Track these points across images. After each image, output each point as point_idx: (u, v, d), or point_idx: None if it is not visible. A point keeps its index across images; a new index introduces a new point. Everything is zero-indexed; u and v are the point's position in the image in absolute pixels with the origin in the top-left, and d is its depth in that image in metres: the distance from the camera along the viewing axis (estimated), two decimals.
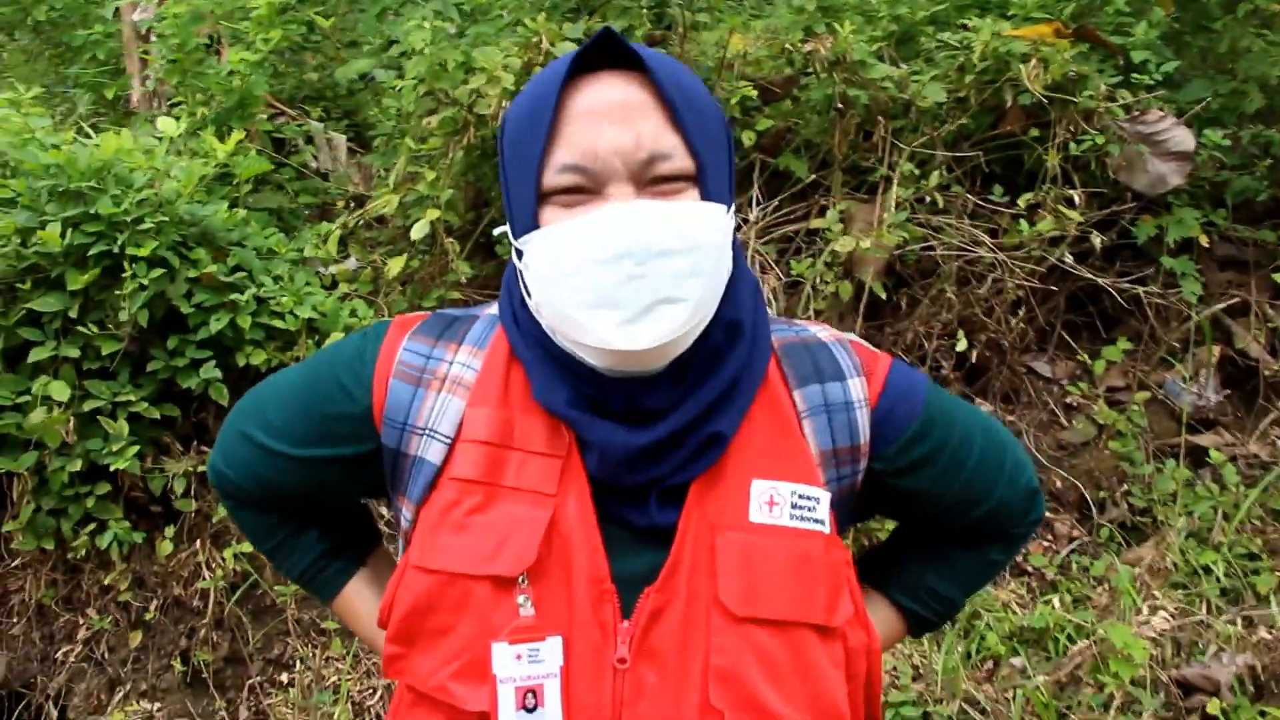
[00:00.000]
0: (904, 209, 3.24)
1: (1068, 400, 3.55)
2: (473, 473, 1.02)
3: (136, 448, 2.62)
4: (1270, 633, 3.00)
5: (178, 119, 3.14)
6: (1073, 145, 3.34)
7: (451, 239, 3.01)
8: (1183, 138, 3.47)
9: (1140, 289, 3.49)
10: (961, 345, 3.23)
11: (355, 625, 1.28)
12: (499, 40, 3.16)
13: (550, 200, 0.97)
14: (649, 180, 0.97)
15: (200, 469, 2.73)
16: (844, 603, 1.05)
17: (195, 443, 2.78)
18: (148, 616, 2.73)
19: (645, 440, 1.00)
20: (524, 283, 1.03)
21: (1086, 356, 3.59)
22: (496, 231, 1.16)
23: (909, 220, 3.23)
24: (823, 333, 1.15)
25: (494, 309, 1.14)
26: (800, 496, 1.04)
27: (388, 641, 1.05)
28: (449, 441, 1.04)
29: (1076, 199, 3.30)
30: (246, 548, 2.74)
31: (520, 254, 1.02)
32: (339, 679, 2.76)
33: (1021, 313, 3.44)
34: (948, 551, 1.25)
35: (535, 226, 0.98)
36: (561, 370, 1.02)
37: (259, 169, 3.01)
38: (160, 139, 2.93)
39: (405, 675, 1.05)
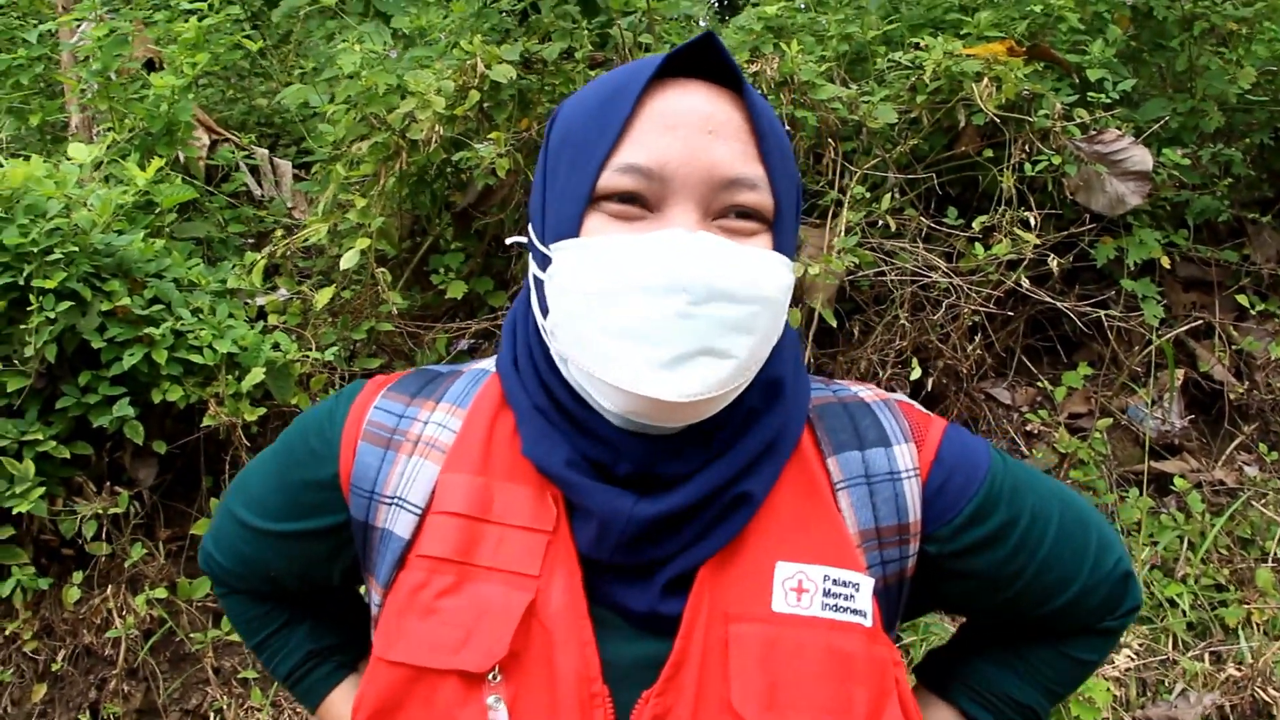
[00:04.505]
0: (855, 233, 3.14)
1: (1028, 428, 3.45)
2: (444, 550, 0.89)
3: (43, 489, 2.49)
4: (1239, 669, 2.90)
5: (105, 145, 3.04)
6: (1028, 166, 3.26)
7: (384, 269, 2.90)
8: (1141, 157, 3.40)
9: (1101, 312, 3.40)
10: (915, 374, 3.13)
11: None
12: (434, 64, 3.07)
13: (600, 206, 0.85)
14: (720, 209, 0.85)
15: (114, 510, 2.60)
16: (891, 710, 0.87)
17: (109, 483, 2.65)
18: (54, 667, 2.58)
19: (655, 510, 0.85)
20: (542, 298, 0.89)
21: (1047, 383, 3.50)
22: (511, 241, 1.05)
23: (861, 245, 3.14)
24: (865, 392, 1.00)
25: (483, 364, 1.02)
26: (835, 582, 0.88)
27: None
28: (419, 512, 0.91)
29: (1033, 221, 3.21)
30: (161, 593, 2.61)
31: (547, 262, 0.87)
32: None
33: (978, 338, 3.34)
34: (1025, 650, 1.06)
35: (576, 233, 0.85)
36: (563, 424, 0.89)
37: (182, 197, 2.90)
38: (80, 166, 2.82)
39: None
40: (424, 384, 0.99)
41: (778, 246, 0.87)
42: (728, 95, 0.86)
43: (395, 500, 0.93)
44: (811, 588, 0.88)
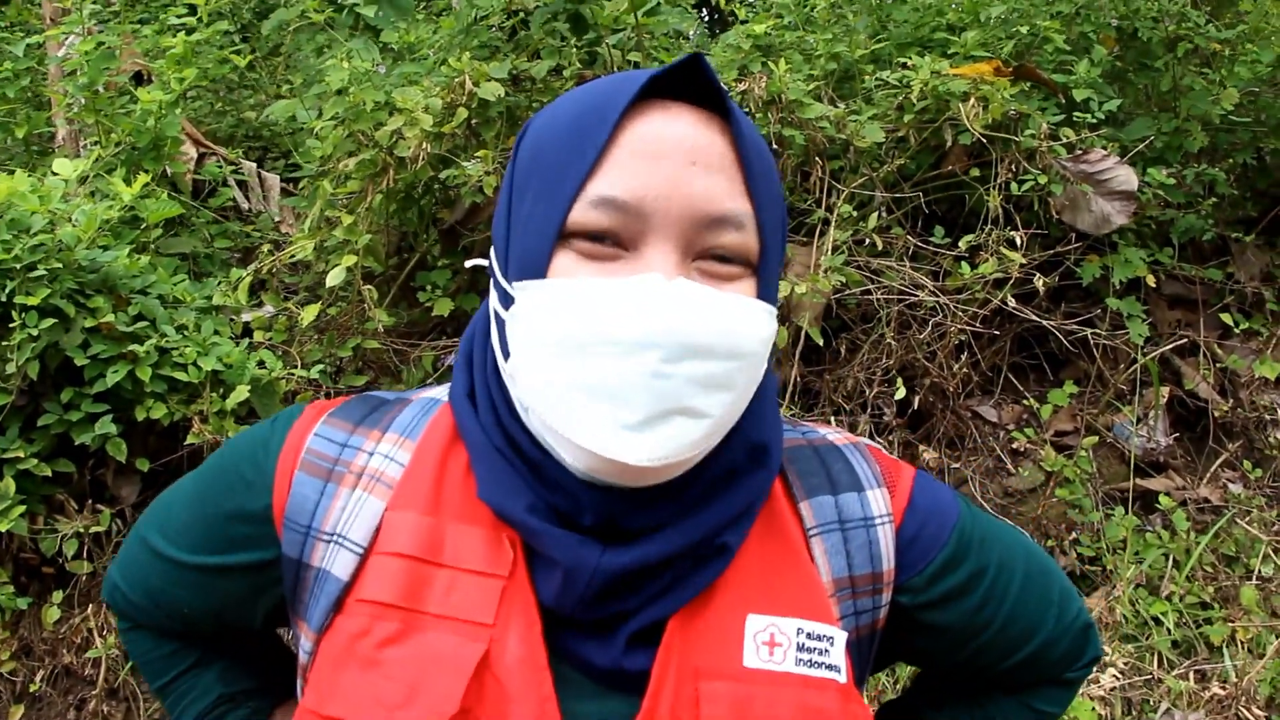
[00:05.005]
0: (842, 252, 3.15)
1: (1014, 446, 3.45)
2: (389, 594, 0.81)
3: (23, 507, 2.47)
4: (1223, 688, 2.90)
5: (92, 159, 3.03)
6: (1014, 185, 3.28)
7: (370, 286, 2.90)
8: (1126, 177, 3.42)
9: (1087, 330, 3.41)
10: (901, 393, 3.14)
11: None
12: (423, 80, 3.07)
13: (570, 244, 0.77)
14: (702, 251, 0.77)
15: (95, 529, 2.58)
16: None
17: (91, 501, 2.63)
18: (33, 688, 2.56)
19: (625, 562, 0.79)
20: (503, 338, 0.81)
21: (1033, 400, 3.51)
22: (471, 264, 0.94)
23: (847, 263, 3.15)
24: (834, 435, 0.96)
25: (433, 392, 0.95)
26: (809, 636, 0.83)
27: None
28: (361, 552, 0.83)
29: (1019, 240, 3.23)
30: None
31: (509, 301, 0.79)
32: None
33: (965, 357, 3.35)
34: (987, 703, 1.04)
35: (542, 273, 0.77)
36: (523, 469, 0.82)
37: (168, 213, 2.89)
38: (65, 181, 2.81)
39: None
40: (369, 411, 0.92)
41: (761, 292, 0.80)
42: (714, 121, 0.79)
43: (334, 537, 0.85)
44: (784, 641, 0.83)
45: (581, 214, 0.76)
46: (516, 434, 0.83)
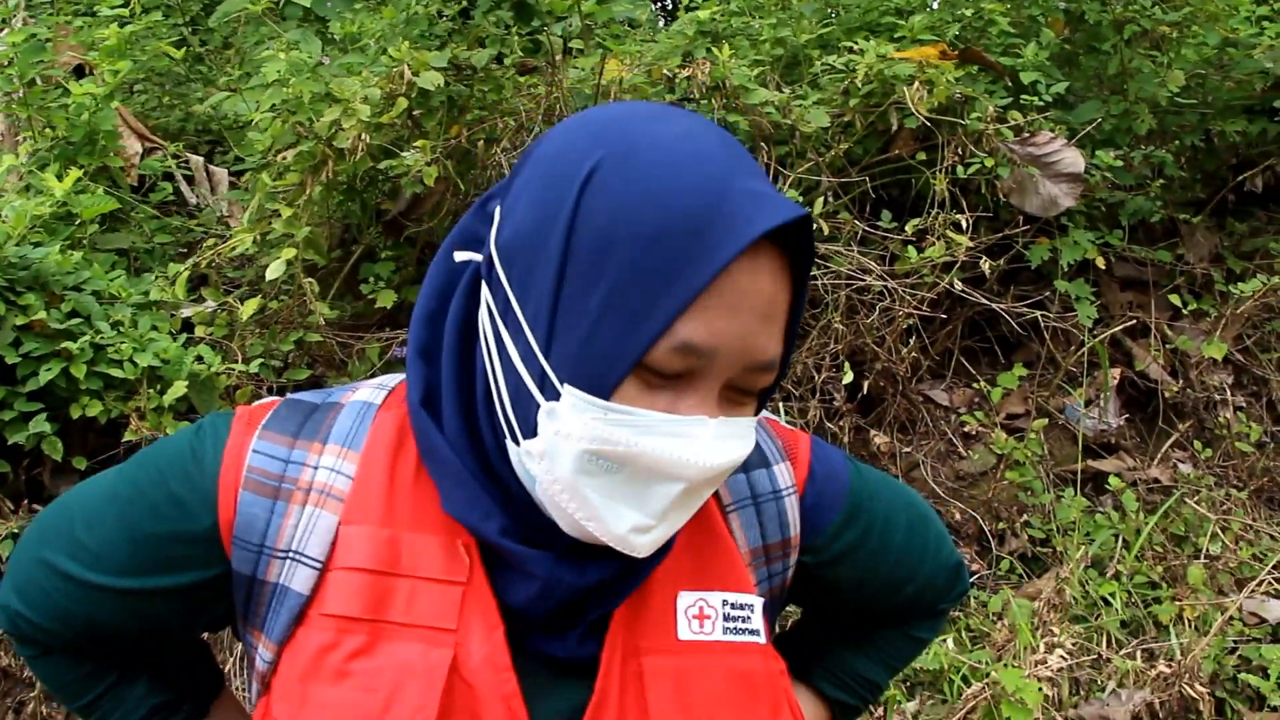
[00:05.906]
0: None
1: (965, 429, 3.47)
2: (352, 608, 0.84)
3: None
4: (1169, 666, 2.92)
5: (23, 154, 2.98)
6: (961, 169, 3.28)
7: (312, 279, 2.86)
8: (1073, 159, 3.42)
9: (1037, 313, 3.42)
10: (848, 378, 3.13)
11: None
12: (363, 70, 3.03)
13: (640, 374, 0.77)
14: (734, 385, 0.81)
15: None
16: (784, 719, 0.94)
17: (27, 501, 2.59)
18: None
19: (604, 575, 0.85)
20: (524, 410, 0.81)
21: (984, 384, 3.52)
22: (461, 257, 0.90)
23: None
24: None
25: (361, 393, 0.94)
26: (733, 606, 0.92)
27: None
28: (319, 567, 0.85)
29: (964, 223, 3.23)
30: None
31: (550, 390, 0.79)
32: None
33: (914, 340, 3.35)
34: (873, 633, 1.19)
35: (606, 393, 0.77)
36: (500, 496, 0.86)
37: (103, 208, 2.85)
38: None
39: None
40: (303, 421, 0.91)
41: (758, 406, 0.86)
42: (783, 264, 0.80)
43: (290, 554, 0.86)
44: (712, 614, 0.91)
45: (663, 356, 0.76)
46: (499, 467, 0.86)
